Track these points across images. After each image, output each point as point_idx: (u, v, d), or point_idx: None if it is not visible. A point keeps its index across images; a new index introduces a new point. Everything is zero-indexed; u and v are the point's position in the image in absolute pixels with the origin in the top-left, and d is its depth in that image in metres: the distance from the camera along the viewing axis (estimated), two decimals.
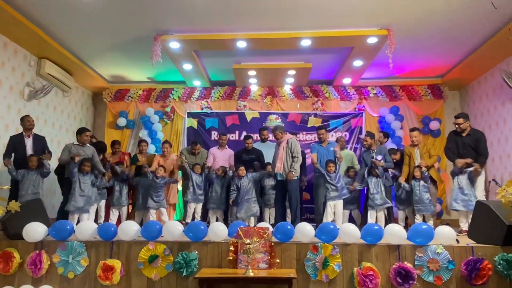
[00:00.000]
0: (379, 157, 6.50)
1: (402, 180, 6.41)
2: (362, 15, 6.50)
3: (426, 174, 6.18)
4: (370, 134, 6.91)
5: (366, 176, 6.52)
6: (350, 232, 4.31)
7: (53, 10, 6.31)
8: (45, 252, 4.36)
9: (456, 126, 6.04)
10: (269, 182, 6.72)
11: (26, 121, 6.27)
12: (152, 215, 6.34)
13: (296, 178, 6.16)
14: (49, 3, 6.09)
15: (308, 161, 7.83)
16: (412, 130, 6.68)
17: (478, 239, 4.51)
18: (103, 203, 6.54)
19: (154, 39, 7.06)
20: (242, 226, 4.21)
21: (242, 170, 6.51)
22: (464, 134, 6.00)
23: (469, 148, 5.87)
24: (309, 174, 7.55)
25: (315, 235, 4.34)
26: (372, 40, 7.08)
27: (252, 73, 8.76)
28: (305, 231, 4.35)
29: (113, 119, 9.76)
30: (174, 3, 6.12)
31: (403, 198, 6.51)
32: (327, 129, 8.21)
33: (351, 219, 6.96)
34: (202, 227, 4.38)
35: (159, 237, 4.42)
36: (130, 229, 4.42)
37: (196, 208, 6.68)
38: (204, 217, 7.14)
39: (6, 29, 6.69)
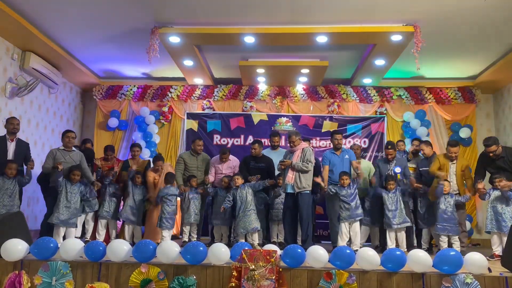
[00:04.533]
0: (398, 169, 6.40)
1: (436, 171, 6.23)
2: (385, 10, 6.47)
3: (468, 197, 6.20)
4: (394, 145, 6.86)
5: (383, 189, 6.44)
6: (368, 258, 4.25)
7: None
8: (26, 272, 4.34)
9: (491, 154, 6.06)
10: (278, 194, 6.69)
11: (10, 124, 6.21)
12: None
13: (308, 192, 6.10)
14: None
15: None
16: (453, 145, 6.35)
17: None
18: (91, 216, 6.57)
19: (152, 32, 7.07)
20: (246, 249, 4.19)
21: (238, 179, 6.37)
22: (496, 158, 6.09)
23: (502, 170, 5.98)
24: None
25: (329, 261, 4.30)
26: (396, 37, 7.04)
27: (260, 70, 8.75)
28: (317, 255, 4.29)
29: (104, 119, 9.77)
30: None
31: (427, 215, 6.41)
32: (344, 134, 8.16)
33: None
34: (201, 248, 4.35)
35: (153, 259, 4.40)
36: (120, 249, 4.40)
37: (191, 229, 6.64)
38: (206, 232, 7.11)
39: None
